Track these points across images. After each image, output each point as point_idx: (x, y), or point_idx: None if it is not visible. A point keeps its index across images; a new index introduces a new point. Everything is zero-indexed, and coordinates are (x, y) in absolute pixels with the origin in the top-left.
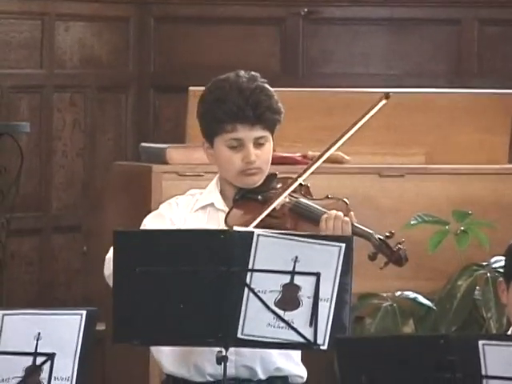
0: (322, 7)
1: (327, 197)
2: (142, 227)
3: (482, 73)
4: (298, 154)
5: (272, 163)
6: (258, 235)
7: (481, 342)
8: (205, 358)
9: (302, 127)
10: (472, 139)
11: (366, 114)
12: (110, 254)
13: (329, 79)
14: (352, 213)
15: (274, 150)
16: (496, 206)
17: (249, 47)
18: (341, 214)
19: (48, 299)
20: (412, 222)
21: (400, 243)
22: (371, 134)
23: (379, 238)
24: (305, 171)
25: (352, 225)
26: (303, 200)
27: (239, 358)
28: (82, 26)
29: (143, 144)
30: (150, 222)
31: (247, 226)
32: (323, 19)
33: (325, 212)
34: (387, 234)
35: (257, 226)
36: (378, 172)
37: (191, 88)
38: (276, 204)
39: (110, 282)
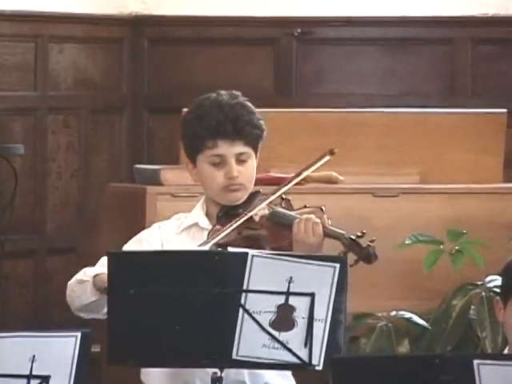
0: (315, 28)
1: (305, 206)
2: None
3: (476, 92)
4: (291, 175)
5: (266, 184)
6: (253, 256)
7: (476, 362)
8: (196, 376)
9: (295, 147)
10: (466, 158)
11: (312, 165)
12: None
13: (322, 99)
14: (325, 216)
15: (267, 171)
16: (490, 225)
17: (242, 68)
18: (312, 216)
19: (43, 321)
20: (406, 242)
21: (371, 241)
22: (365, 153)
23: (350, 238)
24: (287, 183)
25: (323, 226)
26: (280, 209)
27: (227, 374)
28: (76, 47)
29: (137, 165)
30: (129, 247)
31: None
32: (317, 39)
33: (290, 215)
34: (358, 234)
35: (236, 238)
36: (372, 192)
37: (185, 109)
38: (250, 214)
39: (77, 314)
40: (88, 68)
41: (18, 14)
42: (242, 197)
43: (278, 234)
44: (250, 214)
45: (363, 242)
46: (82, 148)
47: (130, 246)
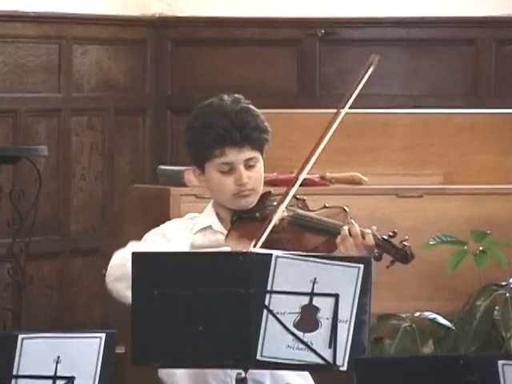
0: (338, 28)
1: (325, 206)
2: (142, 241)
3: (499, 92)
4: (316, 176)
5: (290, 185)
6: (277, 257)
7: (500, 362)
8: (218, 379)
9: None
10: (490, 159)
11: (359, 81)
12: (117, 259)
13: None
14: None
15: (291, 172)
16: None
17: (266, 69)
18: (357, 228)
19: (67, 322)
20: (431, 243)
21: (404, 240)
22: (389, 154)
23: (382, 238)
24: (296, 181)
25: (374, 239)
26: (301, 211)
27: (249, 374)
28: (99, 49)
29: (161, 166)
30: (151, 239)
31: (249, 246)
32: (340, 40)
33: (329, 222)
34: (390, 234)
35: (260, 245)
36: (396, 193)
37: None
38: (275, 219)
39: (118, 285)
40: (111, 69)
41: (41, 16)
42: (253, 201)
43: (302, 238)
44: (275, 219)
45: (397, 242)
46: (106, 149)
47: (152, 238)
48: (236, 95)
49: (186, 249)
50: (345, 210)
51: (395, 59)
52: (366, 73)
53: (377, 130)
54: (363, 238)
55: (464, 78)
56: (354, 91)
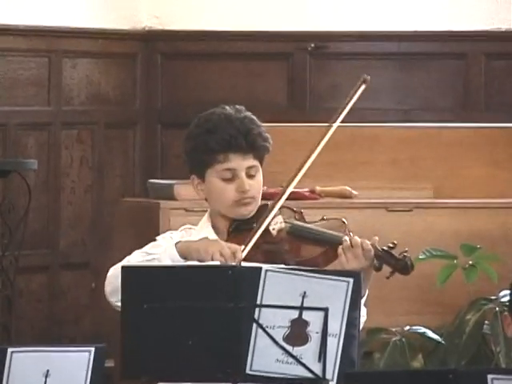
0: (329, 42)
1: (323, 218)
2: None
3: (489, 107)
4: (305, 190)
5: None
6: (266, 270)
7: (490, 377)
8: None
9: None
10: (480, 173)
11: (351, 99)
12: (111, 272)
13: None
14: (351, 232)
15: (281, 186)
16: (504, 239)
17: (256, 82)
18: (358, 240)
19: (57, 336)
20: (420, 257)
21: (404, 252)
22: (379, 168)
23: (382, 249)
24: (288, 185)
25: (374, 250)
26: (300, 222)
27: None
28: (89, 62)
29: (151, 180)
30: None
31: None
32: (330, 54)
33: (329, 232)
34: (390, 245)
35: (255, 253)
36: (386, 206)
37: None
38: (267, 222)
39: (111, 299)
40: (101, 83)
41: (31, 29)
42: (253, 210)
43: (301, 248)
44: (266, 222)
45: (397, 253)
46: (96, 163)
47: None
48: (237, 106)
49: (174, 251)
50: (343, 221)
51: (385, 73)
52: (357, 90)
53: (366, 143)
54: (363, 248)
55: (454, 92)
56: (344, 109)
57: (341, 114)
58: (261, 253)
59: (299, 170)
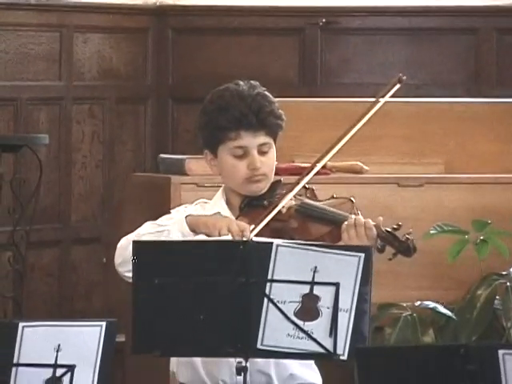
0: (340, 17)
1: (332, 197)
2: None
3: (501, 82)
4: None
5: (290, 173)
6: (278, 245)
7: (501, 352)
8: (221, 368)
9: (320, 137)
10: (491, 148)
11: (381, 97)
12: (122, 242)
13: (347, 89)
14: (380, 218)
15: (292, 161)
16: None
17: (267, 57)
18: (361, 219)
19: (68, 311)
20: (431, 232)
21: (408, 234)
22: (390, 143)
23: (386, 230)
24: (308, 172)
25: (377, 229)
26: (308, 201)
27: (253, 364)
28: (101, 37)
29: (162, 155)
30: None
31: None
32: (341, 29)
33: (335, 212)
34: (394, 226)
35: (262, 230)
36: (397, 182)
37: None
38: (280, 206)
39: (120, 269)
40: (113, 58)
41: (43, 4)
42: (264, 187)
43: (309, 227)
44: (278, 208)
45: (400, 235)
46: (107, 138)
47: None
48: (252, 81)
49: (183, 224)
50: (351, 200)
51: (397, 48)
52: (390, 89)
53: (378, 119)
54: (366, 228)
55: (466, 67)
56: (371, 108)
57: (365, 115)
58: (269, 230)
59: (332, 147)
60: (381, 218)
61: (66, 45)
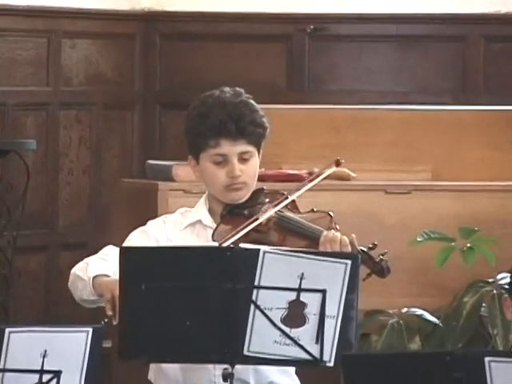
0: (327, 24)
1: (312, 210)
2: (126, 241)
3: (488, 89)
4: (304, 171)
5: (278, 180)
6: (265, 252)
7: (487, 359)
8: (200, 377)
9: (307, 144)
10: (478, 156)
11: (316, 177)
12: (76, 267)
13: (335, 96)
14: (353, 235)
15: (279, 168)
16: (502, 222)
17: (255, 64)
18: (338, 235)
19: (54, 316)
20: (418, 239)
21: (382, 254)
22: (377, 150)
23: (361, 250)
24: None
25: (351, 246)
26: (288, 214)
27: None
28: (88, 43)
29: (149, 161)
30: (135, 238)
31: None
32: (329, 36)
33: (311, 227)
34: (370, 246)
35: (240, 240)
36: (384, 189)
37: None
38: (262, 220)
39: (74, 295)
40: (100, 63)
41: (31, 9)
42: (244, 195)
43: (286, 240)
44: (259, 221)
45: (375, 255)
46: (94, 143)
47: (137, 237)
48: (237, 88)
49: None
50: (330, 214)
51: (384, 55)
52: (326, 169)
53: (365, 126)
54: (342, 245)
55: (453, 75)
56: (305, 185)
57: (301, 189)
58: (247, 241)
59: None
60: (353, 235)
61: (54, 50)
